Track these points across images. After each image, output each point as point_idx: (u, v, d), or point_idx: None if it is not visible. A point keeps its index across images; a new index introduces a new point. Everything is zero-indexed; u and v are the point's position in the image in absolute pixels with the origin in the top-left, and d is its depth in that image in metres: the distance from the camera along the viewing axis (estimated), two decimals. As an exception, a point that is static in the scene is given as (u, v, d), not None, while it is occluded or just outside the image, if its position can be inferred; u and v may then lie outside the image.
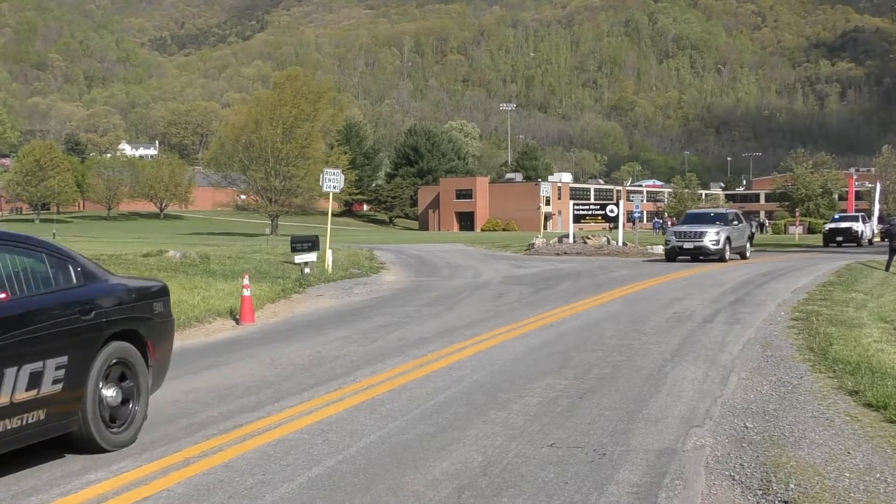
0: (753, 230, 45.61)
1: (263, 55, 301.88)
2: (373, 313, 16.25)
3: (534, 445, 6.79)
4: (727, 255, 30.82)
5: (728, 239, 31.08)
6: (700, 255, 30.92)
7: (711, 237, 30.71)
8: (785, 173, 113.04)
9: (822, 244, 49.89)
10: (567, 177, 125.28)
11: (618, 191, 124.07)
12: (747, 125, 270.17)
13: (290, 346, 12.38)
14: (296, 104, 70.55)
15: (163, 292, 7.89)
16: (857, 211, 68.82)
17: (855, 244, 48.46)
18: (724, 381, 9.37)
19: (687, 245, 30.92)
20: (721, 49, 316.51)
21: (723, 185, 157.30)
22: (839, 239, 49.32)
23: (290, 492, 5.74)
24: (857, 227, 50.06)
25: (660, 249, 39.09)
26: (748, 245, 34.15)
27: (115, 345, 6.88)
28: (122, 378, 6.99)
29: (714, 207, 39.14)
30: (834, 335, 11.85)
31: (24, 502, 5.60)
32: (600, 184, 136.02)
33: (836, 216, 57.11)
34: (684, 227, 31.97)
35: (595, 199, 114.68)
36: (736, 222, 33.12)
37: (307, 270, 22.73)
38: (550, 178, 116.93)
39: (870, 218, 57.01)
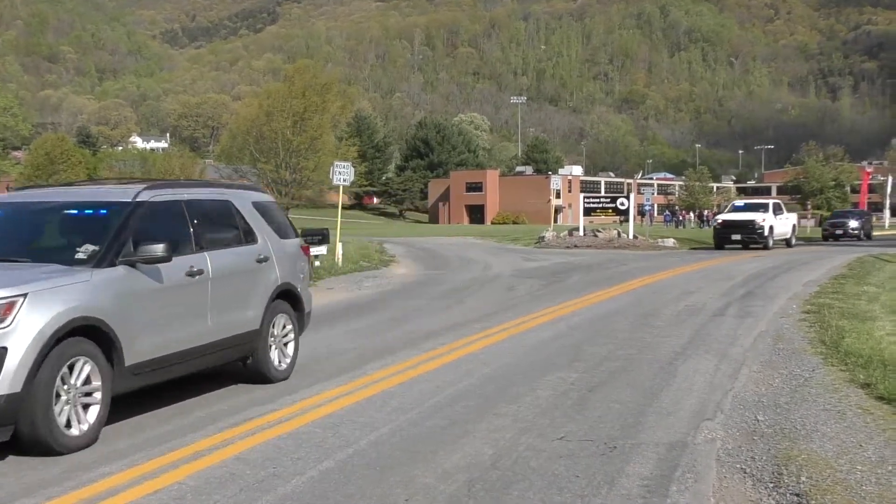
0: None
1: (274, 48, 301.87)
2: (383, 306, 16.25)
3: (544, 439, 6.79)
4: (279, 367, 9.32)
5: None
6: None
7: None
8: (797, 166, 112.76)
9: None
10: (577, 169, 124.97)
11: (628, 184, 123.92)
12: (759, 118, 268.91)
13: (301, 338, 12.39)
14: (306, 96, 70.60)
15: None
16: (869, 204, 65.96)
17: (761, 246, 35.11)
18: (735, 374, 9.35)
19: None
20: (733, 42, 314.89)
21: (734, 177, 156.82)
22: (735, 237, 35.65)
23: (301, 485, 5.75)
24: (763, 219, 35.65)
25: (671, 243, 39.01)
26: None
27: None
28: None
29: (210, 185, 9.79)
30: (846, 328, 11.80)
31: (36, 495, 5.62)
32: (611, 177, 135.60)
33: (737, 203, 41.73)
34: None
35: (606, 192, 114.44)
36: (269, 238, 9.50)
37: (317, 263, 22.75)
38: (561, 170, 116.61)
39: (777, 209, 38.36)
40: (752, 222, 35.55)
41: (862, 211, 55.09)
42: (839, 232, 45.68)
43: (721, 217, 39.28)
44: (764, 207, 37.32)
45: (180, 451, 6.55)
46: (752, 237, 35.31)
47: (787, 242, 38.12)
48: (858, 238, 45.20)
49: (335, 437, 6.88)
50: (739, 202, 42.52)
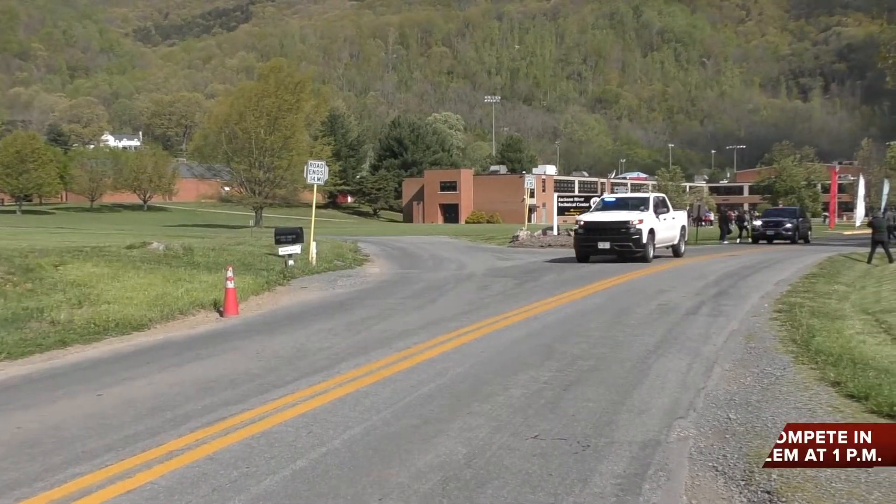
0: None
1: (248, 46, 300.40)
2: (357, 305, 16.22)
3: (518, 437, 6.80)
4: None
5: None
6: None
7: None
8: (769, 166, 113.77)
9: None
10: (551, 169, 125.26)
11: (602, 183, 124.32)
12: (731, 118, 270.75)
13: (274, 338, 12.35)
14: (279, 95, 70.34)
15: None
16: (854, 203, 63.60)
17: (638, 256, 25.97)
18: (707, 372, 9.39)
19: None
20: (705, 42, 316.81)
21: (706, 177, 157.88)
22: (603, 246, 26.16)
23: (274, 484, 5.73)
24: (640, 221, 26.18)
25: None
26: None
27: None
28: None
29: None
30: (816, 327, 11.89)
31: (6, 496, 5.56)
32: (585, 176, 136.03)
33: (607, 198, 31.94)
34: None
35: (579, 192, 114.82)
36: None
37: (291, 263, 22.69)
38: (535, 170, 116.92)
39: (685, 209, 31.71)
40: (624, 224, 26.08)
41: (798, 209, 47.72)
42: (771, 233, 40.00)
43: (583, 218, 28.28)
44: (643, 204, 27.96)
45: (153, 451, 6.51)
46: (625, 245, 25.95)
47: (675, 250, 29.38)
48: (793, 241, 39.47)
49: (308, 437, 6.86)
50: (610, 197, 33.84)
